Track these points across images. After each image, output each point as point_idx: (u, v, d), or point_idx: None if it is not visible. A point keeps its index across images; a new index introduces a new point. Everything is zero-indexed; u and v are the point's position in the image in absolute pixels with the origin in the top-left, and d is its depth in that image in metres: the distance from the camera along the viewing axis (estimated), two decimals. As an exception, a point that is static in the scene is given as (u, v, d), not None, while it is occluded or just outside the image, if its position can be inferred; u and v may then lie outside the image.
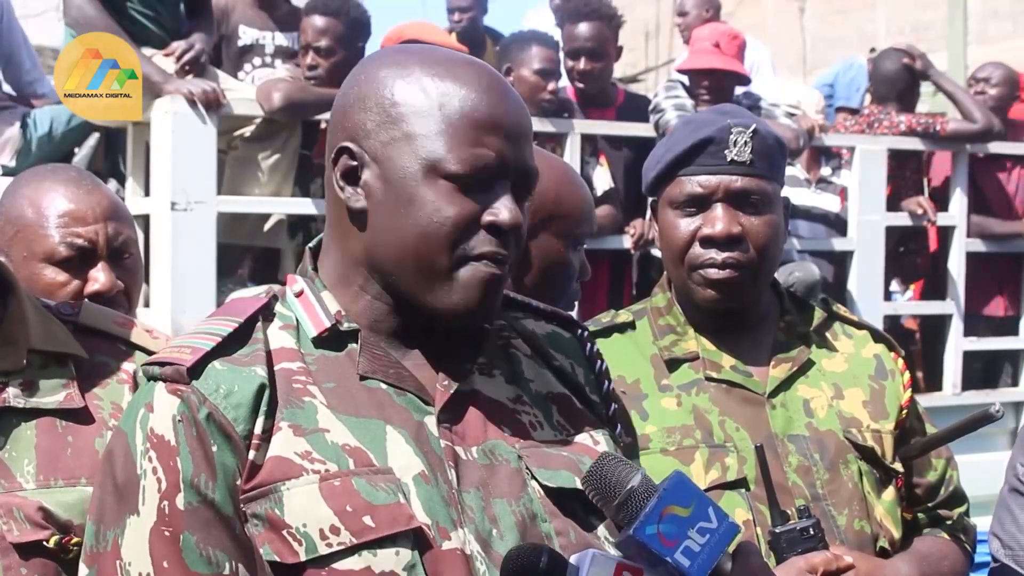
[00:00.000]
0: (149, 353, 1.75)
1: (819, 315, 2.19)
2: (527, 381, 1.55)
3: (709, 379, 2.08)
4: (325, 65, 4.59)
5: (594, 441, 1.54)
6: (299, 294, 1.50)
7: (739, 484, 2.00)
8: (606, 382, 1.64)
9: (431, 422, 1.44)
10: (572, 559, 1.36)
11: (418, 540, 1.36)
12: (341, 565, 1.34)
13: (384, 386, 1.45)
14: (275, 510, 1.36)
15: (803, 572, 1.91)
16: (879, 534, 2.05)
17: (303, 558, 1.35)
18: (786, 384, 2.10)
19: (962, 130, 5.78)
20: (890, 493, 2.09)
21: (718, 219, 2.05)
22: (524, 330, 1.61)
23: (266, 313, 1.48)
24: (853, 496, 2.04)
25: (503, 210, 1.42)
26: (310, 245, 1.55)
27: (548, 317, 1.65)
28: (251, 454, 1.37)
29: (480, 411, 1.48)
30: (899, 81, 5.98)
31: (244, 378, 1.40)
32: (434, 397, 1.46)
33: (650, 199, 2.19)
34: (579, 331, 1.66)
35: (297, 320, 1.48)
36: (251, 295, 1.52)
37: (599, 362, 1.64)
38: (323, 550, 1.34)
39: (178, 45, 4.47)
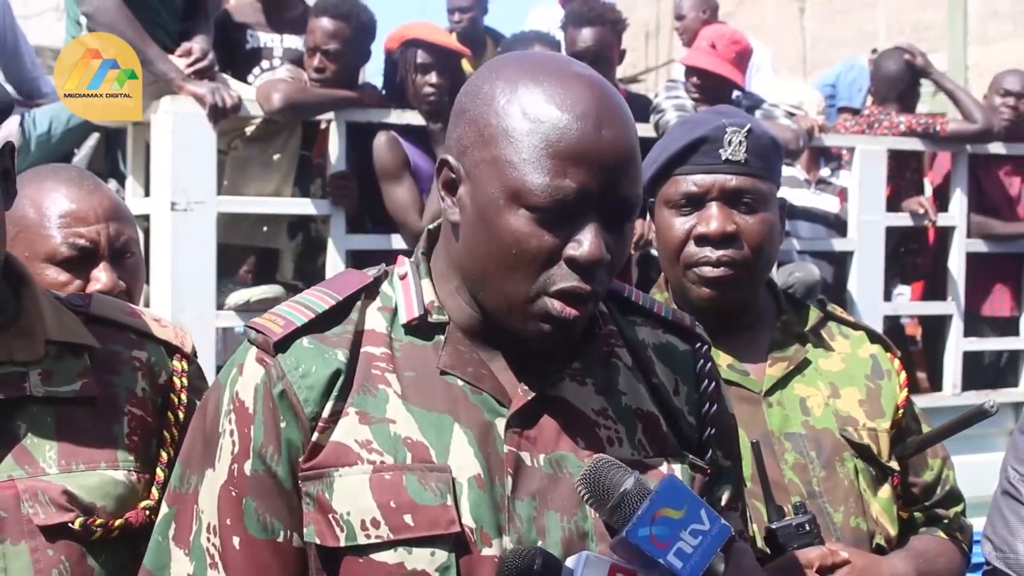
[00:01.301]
0: (158, 341, 1.80)
1: (815, 315, 2.20)
2: (619, 394, 1.53)
3: None
4: (332, 68, 4.59)
5: (669, 469, 1.52)
6: (403, 276, 1.52)
7: None
8: (708, 404, 1.60)
9: (500, 424, 1.45)
10: (567, 562, 1.38)
11: (458, 544, 1.39)
12: (377, 557, 1.40)
13: (461, 383, 1.46)
14: (325, 493, 1.41)
15: (799, 567, 1.92)
16: (875, 531, 2.06)
17: (342, 544, 1.41)
18: (783, 383, 2.11)
19: (962, 130, 5.78)
20: (886, 491, 2.10)
21: (713, 217, 2.07)
22: (634, 339, 1.58)
23: (370, 291, 1.51)
24: (849, 493, 2.05)
25: (584, 244, 1.39)
26: (430, 227, 1.55)
27: (667, 326, 1.62)
28: (315, 435, 1.43)
29: (558, 420, 1.47)
30: (899, 81, 5.98)
31: (323, 361, 1.45)
32: (512, 399, 1.46)
33: (649, 199, 2.20)
34: (697, 344, 1.63)
35: (396, 303, 1.50)
36: (361, 272, 1.55)
37: (707, 381, 1.61)
38: (361, 540, 1.40)
39: (188, 47, 4.46)
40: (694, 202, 2.09)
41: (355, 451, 1.42)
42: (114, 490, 1.67)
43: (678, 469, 1.53)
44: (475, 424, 1.44)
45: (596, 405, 1.50)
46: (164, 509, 1.52)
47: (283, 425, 1.43)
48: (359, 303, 1.50)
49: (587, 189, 1.38)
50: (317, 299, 1.49)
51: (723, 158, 2.07)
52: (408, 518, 1.39)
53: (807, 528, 1.94)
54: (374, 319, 1.49)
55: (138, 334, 1.80)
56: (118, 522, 1.65)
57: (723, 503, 1.60)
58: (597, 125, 1.39)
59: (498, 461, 1.43)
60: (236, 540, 1.44)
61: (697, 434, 1.58)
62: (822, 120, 5.82)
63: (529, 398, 1.46)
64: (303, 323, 1.46)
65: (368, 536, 1.39)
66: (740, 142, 2.07)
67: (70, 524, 1.63)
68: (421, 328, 1.49)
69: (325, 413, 1.43)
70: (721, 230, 2.06)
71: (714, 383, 1.61)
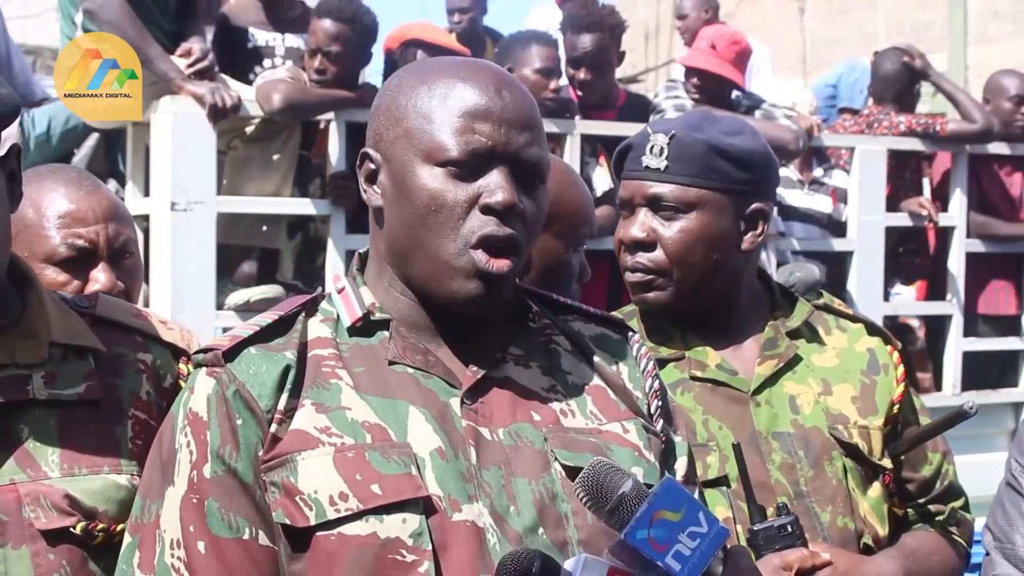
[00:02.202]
0: (164, 344, 1.80)
1: (809, 310, 2.20)
2: (564, 373, 1.60)
3: (694, 378, 2.10)
4: (333, 70, 4.59)
5: (624, 430, 1.58)
6: (340, 290, 1.59)
7: (720, 482, 2.02)
8: (651, 379, 1.66)
9: (455, 403, 1.50)
10: (566, 564, 1.38)
11: (427, 509, 1.42)
12: (348, 529, 1.41)
13: (411, 370, 1.52)
14: (290, 478, 1.44)
15: (778, 569, 1.92)
16: (863, 531, 2.06)
17: (312, 522, 1.42)
18: (772, 380, 2.11)
19: (961, 130, 5.78)
20: (876, 490, 2.10)
21: (632, 224, 2.11)
22: (570, 330, 1.65)
23: (310, 308, 1.58)
24: (837, 493, 2.05)
25: (497, 190, 1.48)
26: (359, 251, 1.64)
27: (598, 320, 1.69)
28: (273, 427, 1.46)
29: (510, 396, 1.53)
30: (897, 81, 5.98)
31: (272, 361, 1.50)
32: (462, 382, 1.51)
33: None
34: (628, 333, 1.70)
35: (337, 314, 1.56)
36: (302, 295, 1.63)
37: (646, 361, 1.67)
38: (331, 515, 1.42)
39: (189, 47, 4.46)
40: (628, 207, 2.14)
41: (314, 436, 1.45)
42: (116, 495, 1.66)
43: (632, 427, 1.57)
44: (431, 405, 1.49)
45: (544, 384, 1.57)
46: (127, 539, 1.53)
47: (239, 422, 1.47)
48: (301, 317, 1.56)
49: (494, 142, 1.49)
50: (261, 317, 1.56)
51: (644, 164, 2.10)
52: (376, 487, 1.42)
53: (790, 529, 1.95)
54: (317, 329, 1.55)
55: (144, 336, 1.79)
56: (120, 527, 1.64)
57: (680, 476, 1.64)
58: (498, 89, 1.51)
59: (458, 436, 1.48)
60: (201, 545, 1.45)
61: (645, 407, 1.63)
62: (817, 120, 5.82)
63: (479, 376, 1.52)
64: (249, 335, 1.52)
65: (338, 510, 1.41)
66: (661, 149, 2.09)
67: (71, 529, 1.62)
68: (364, 328, 1.55)
69: (280, 406, 1.47)
70: (631, 237, 2.11)
71: (653, 363, 1.68)
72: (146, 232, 4.26)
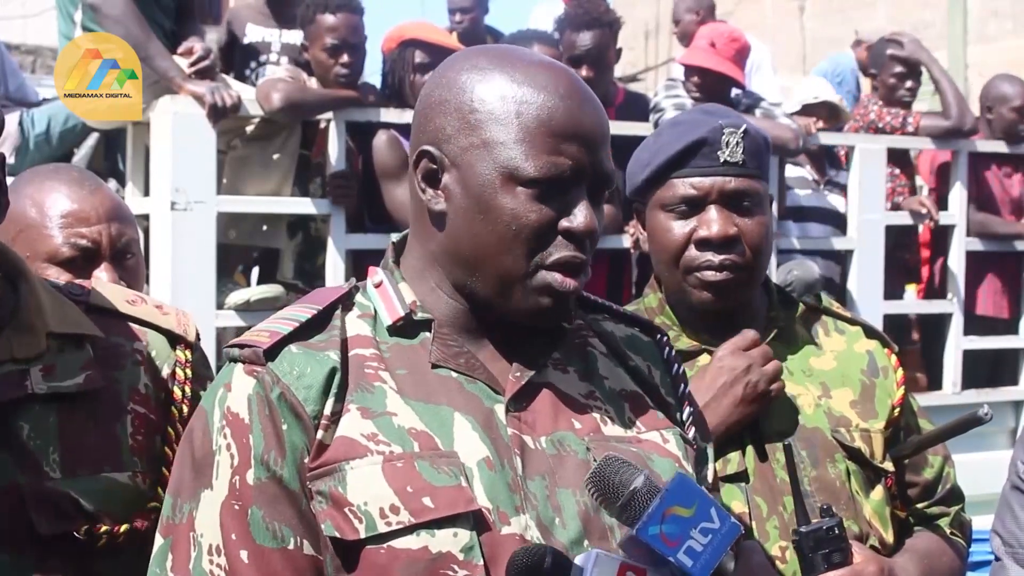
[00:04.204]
0: (161, 331, 1.78)
1: (806, 312, 2.20)
2: (601, 378, 1.57)
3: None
4: (357, 64, 4.60)
5: (663, 439, 1.55)
6: (378, 285, 1.54)
7: (740, 477, 2.02)
8: (682, 385, 1.64)
9: (500, 410, 1.47)
10: (577, 559, 1.37)
11: (477, 523, 1.39)
12: (399, 543, 1.37)
13: (455, 374, 1.48)
14: (338, 488, 1.39)
15: None
16: (868, 534, 2.05)
17: (363, 535, 1.38)
18: None
19: (933, 125, 5.75)
20: (879, 492, 2.09)
21: (714, 221, 2.05)
22: (603, 330, 1.63)
23: (346, 302, 1.52)
24: (840, 494, 2.04)
25: (580, 216, 1.45)
26: (393, 239, 1.59)
27: (628, 321, 1.67)
28: (319, 434, 1.42)
29: (551, 403, 1.50)
30: (887, 70, 5.97)
31: (317, 361, 1.44)
32: (505, 387, 1.48)
33: (634, 203, 2.18)
34: (658, 335, 1.67)
35: (375, 309, 1.52)
36: (334, 286, 1.57)
37: (676, 366, 1.65)
38: (382, 528, 1.38)
39: (190, 46, 4.46)
40: (692, 205, 2.07)
41: (363, 444, 1.41)
42: (119, 494, 1.65)
43: (671, 437, 1.55)
44: (475, 411, 1.45)
45: (582, 390, 1.54)
46: (159, 540, 1.48)
47: (284, 427, 1.42)
48: (338, 313, 1.51)
49: (579, 163, 1.45)
50: (298, 311, 1.50)
51: (721, 160, 2.05)
52: (427, 500, 1.38)
53: (836, 532, 1.92)
54: (356, 325, 1.50)
55: (139, 324, 1.77)
56: (123, 528, 1.64)
57: (709, 482, 1.63)
58: (580, 104, 1.47)
59: (504, 444, 1.44)
60: (244, 554, 1.40)
61: (679, 412, 1.61)
62: (813, 121, 5.81)
63: (524, 382, 1.48)
64: (289, 331, 1.47)
65: (389, 523, 1.37)
66: (737, 143, 2.05)
67: (75, 533, 1.61)
68: (405, 328, 1.50)
69: (327, 411, 1.42)
70: (723, 234, 2.04)
71: (682, 368, 1.66)
72: (146, 232, 4.25)
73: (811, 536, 1.92)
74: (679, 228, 2.07)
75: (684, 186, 2.07)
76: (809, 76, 6.77)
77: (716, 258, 2.05)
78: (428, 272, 1.52)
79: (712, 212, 2.05)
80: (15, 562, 1.58)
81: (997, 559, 1.83)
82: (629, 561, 1.37)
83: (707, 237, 2.05)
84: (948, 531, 2.20)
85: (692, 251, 2.07)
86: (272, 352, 1.45)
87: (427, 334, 1.50)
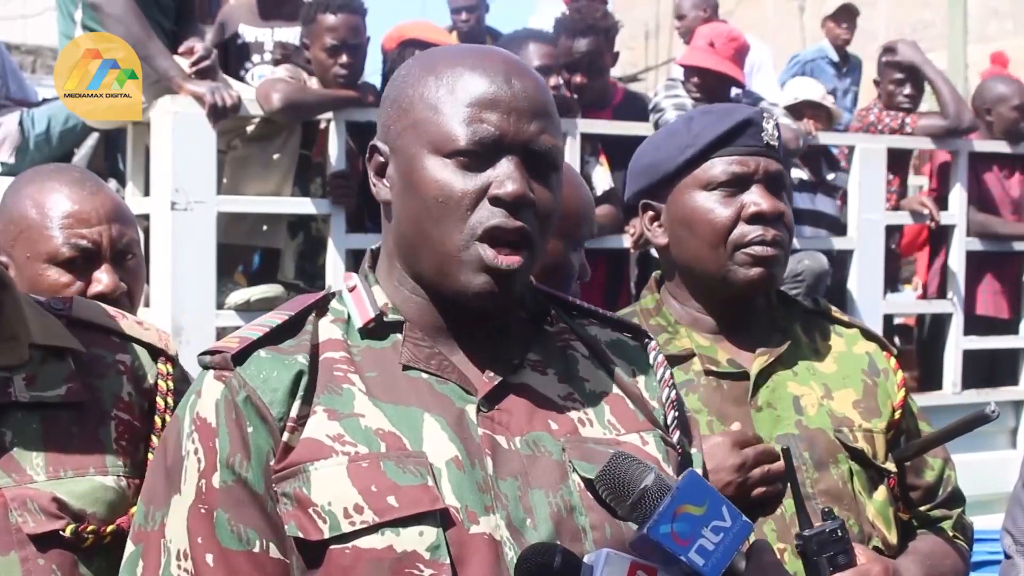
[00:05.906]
0: (142, 344, 1.79)
1: (805, 313, 2.20)
2: (581, 380, 1.55)
3: (709, 372, 2.08)
4: (357, 65, 4.59)
5: (643, 441, 1.54)
6: (352, 289, 1.54)
7: None
8: (667, 389, 1.62)
9: (472, 410, 1.46)
10: (586, 559, 1.36)
11: (444, 522, 1.37)
12: (363, 543, 1.36)
13: (425, 376, 1.47)
14: (303, 489, 1.39)
15: None
16: (871, 534, 2.05)
17: (326, 535, 1.37)
18: (766, 375, 2.09)
19: (931, 125, 5.76)
20: (881, 493, 2.09)
21: (765, 197, 2.06)
22: (586, 335, 1.61)
23: (320, 308, 1.52)
24: (843, 495, 2.04)
25: (506, 181, 1.43)
26: (371, 247, 1.59)
27: (616, 325, 1.66)
28: (285, 436, 1.41)
29: (527, 404, 1.49)
30: (887, 76, 5.99)
31: (284, 365, 1.44)
32: (478, 387, 1.47)
33: (641, 201, 2.17)
34: (645, 340, 1.66)
35: (348, 314, 1.51)
36: (312, 293, 1.57)
37: (663, 369, 1.63)
38: (346, 528, 1.37)
39: (191, 46, 4.45)
40: (739, 183, 2.07)
41: (328, 444, 1.40)
42: (104, 496, 1.65)
43: (651, 439, 1.54)
44: (446, 412, 1.44)
45: (561, 392, 1.52)
46: (130, 547, 1.47)
47: (250, 430, 1.41)
48: (311, 318, 1.50)
49: (502, 131, 1.44)
50: (270, 318, 1.50)
51: (765, 141, 2.08)
52: (392, 499, 1.37)
53: (839, 534, 1.90)
54: (328, 330, 1.50)
55: (121, 337, 1.78)
56: (110, 528, 1.64)
57: None
58: (507, 77, 1.46)
59: (474, 445, 1.43)
60: (210, 557, 1.40)
61: (662, 418, 1.59)
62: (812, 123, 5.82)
63: (496, 382, 1.47)
64: (258, 336, 1.46)
65: (352, 523, 1.36)
66: (774, 128, 2.10)
67: (61, 532, 1.61)
68: (377, 331, 1.50)
69: (293, 413, 1.41)
70: (776, 209, 2.06)
71: (670, 372, 1.64)
72: (146, 232, 4.25)
73: (815, 539, 1.91)
74: (727, 206, 2.07)
75: (732, 164, 2.08)
76: (796, 78, 6.73)
77: (768, 233, 2.05)
78: (392, 270, 1.52)
79: (759, 189, 2.07)
80: (3, 564, 1.58)
81: (1008, 557, 1.84)
82: (640, 560, 1.36)
83: (761, 211, 2.05)
84: (951, 534, 2.20)
85: (743, 227, 2.06)
86: (241, 357, 1.44)
87: (398, 336, 1.49)
